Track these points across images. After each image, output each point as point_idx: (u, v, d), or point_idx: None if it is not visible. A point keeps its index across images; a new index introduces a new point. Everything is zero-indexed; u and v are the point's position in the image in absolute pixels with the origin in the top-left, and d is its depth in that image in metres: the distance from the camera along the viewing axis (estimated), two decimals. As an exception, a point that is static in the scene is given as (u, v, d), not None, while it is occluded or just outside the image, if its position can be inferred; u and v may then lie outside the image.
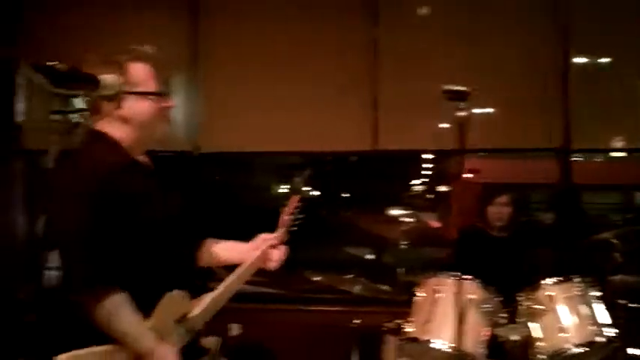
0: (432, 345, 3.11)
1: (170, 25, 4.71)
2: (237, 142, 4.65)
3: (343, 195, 7.21)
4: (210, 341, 2.22)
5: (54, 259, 1.79)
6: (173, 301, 2.07)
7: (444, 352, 3.06)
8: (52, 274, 1.63)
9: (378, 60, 4.54)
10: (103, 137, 2.07)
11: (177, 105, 4.46)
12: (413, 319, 3.26)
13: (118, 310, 1.91)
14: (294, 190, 2.61)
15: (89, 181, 1.90)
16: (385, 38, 4.55)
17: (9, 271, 4.59)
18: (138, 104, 2.09)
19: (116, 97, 1.86)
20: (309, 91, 4.56)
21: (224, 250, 2.47)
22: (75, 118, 1.57)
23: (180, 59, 4.64)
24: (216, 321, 2.20)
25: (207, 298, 2.21)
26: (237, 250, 2.48)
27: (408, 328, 3.23)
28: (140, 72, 2.11)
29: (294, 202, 2.57)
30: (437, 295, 3.22)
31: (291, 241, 2.54)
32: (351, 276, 3.63)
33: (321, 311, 4.47)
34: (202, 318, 2.18)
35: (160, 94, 2.15)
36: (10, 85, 4.69)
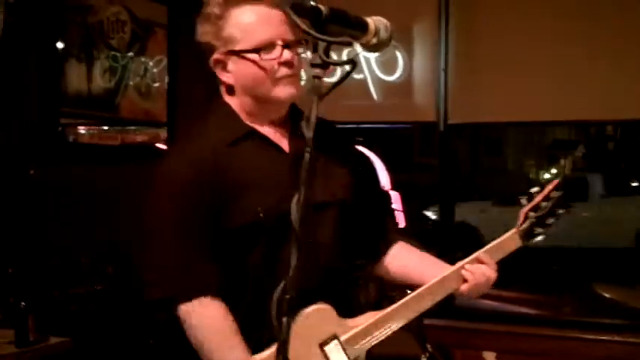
0: None
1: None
2: (493, 111, 3.69)
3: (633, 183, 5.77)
4: None
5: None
6: (314, 317, 1.62)
7: None
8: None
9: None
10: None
11: (419, 62, 3.73)
12: None
13: (223, 330, 1.56)
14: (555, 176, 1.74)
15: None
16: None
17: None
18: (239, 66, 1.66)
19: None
20: (590, 50, 3.44)
21: (420, 264, 1.83)
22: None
23: (426, 4, 3.73)
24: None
25: (369, 317, 1.70)
26: (437, 268, 1.79)
27: None
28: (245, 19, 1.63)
29: (549, 187, 1.79)
30: None
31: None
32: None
33: (610, 341, 3.33)
34: (363, 342, 1.67)
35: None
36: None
